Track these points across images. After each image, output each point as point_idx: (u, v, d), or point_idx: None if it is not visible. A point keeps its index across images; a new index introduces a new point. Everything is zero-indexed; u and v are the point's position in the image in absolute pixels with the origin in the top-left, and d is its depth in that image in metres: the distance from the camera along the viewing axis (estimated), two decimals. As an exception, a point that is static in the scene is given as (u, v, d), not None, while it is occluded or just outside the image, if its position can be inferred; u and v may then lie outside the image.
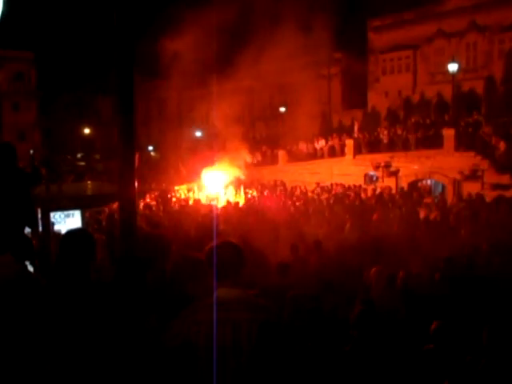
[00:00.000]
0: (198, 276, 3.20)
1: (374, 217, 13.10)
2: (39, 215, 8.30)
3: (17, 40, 41.95)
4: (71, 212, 9.34)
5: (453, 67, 22.81)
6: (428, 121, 23.52)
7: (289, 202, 16.97)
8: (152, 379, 2.85)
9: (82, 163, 45.45)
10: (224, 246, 2.87)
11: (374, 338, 4.91)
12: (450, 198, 18.55)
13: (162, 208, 16.64)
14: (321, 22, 26.55)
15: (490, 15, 26.18)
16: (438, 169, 20.90)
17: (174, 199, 19.58)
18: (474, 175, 18.91)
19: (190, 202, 18.02)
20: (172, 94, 51.05)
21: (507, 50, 25.95)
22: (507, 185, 17.51)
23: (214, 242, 2.86)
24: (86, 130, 53.33)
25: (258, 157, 29.02)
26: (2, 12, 7.78)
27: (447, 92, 25.19)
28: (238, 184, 22.09)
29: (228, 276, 2.76)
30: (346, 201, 16.35)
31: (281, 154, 28.57)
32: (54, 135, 49.76)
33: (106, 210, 14.55)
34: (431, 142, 21.86)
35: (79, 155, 51.31)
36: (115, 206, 14.83)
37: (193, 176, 24.21)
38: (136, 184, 2.99)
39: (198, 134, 44.37)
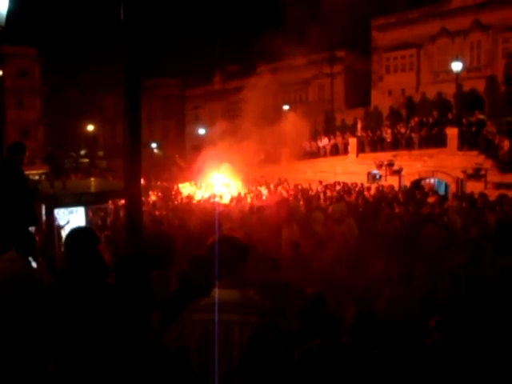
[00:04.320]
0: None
1: (379, 215, 13.10)
2: (43, 212, 8.35)
3: (21, 36, 41.98)
4: (75, 209, 9.35)
5: (456, 66, 22.76)
6: (431, 119, 23.48)
7: (292, 199, 16.97)
8: (150, 379, 2.87)
9: (86, 160, 45.56)
10: (221, 241, 2.76)
11: (370, 339, 4.93)
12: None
13: (165, 205, 16.68)
14: (324, 20, 26.53)
15: (493, 14, 26.11)
16: (442, 168, 20.88)
17: (179, 197, 19.64)
18: (477, 174, 18.88)
19: (194, 200, 18.05)
20: (176, 91, 51.12)
21: (511, 49, 25.89)
22: (511, 184, 17.47)
23: (214, 238, 2.77)
24: (90, 127, 53.35)
25: (261, 155, 28.97)
26: (9, 9, 7.82)
27: (451, 91, 25.16)
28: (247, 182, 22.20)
29: (225, 274, 2.68)
30: (349, 199, 16.33)
31: (284, 152, 28.55)
32: (57, 132, 49.81)
33: (110, 206, 14.62)
34: (434, 140, 21.81)
35: (83, 152, 51.39)
36: (120, 202, 14.90)
37: (196, 174, 24.25)
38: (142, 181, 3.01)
39: (202, 131, 44.39)
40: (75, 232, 3.27)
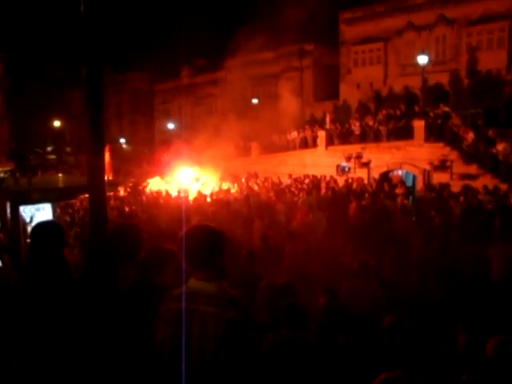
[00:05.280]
0: (170, 267, 3.21)
1: (351, 206, 13.27)
2: (8, 209, 8.20)
3: (-17, 30, 40.90)
4: (41, 206, 9.22)
5: (422, 60, 23.11)
6: (399, 112, 23.81)
7: (262, 192, 17.05)
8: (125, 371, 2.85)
9: (53, 156, 44.75)
10: (195, 231, 2.68)
11: (340, 328, 5.01)
12: (420, 188, 18.98)
13: (134, 200, 16.56)
14: (293, 14, 26.59)
15: (457, 9, 26.61)
16: (409, 159, 21.22)
17: (147, 191, 19.50)
18: (443, 165, 19.27)
19: (163, 195, 17.95)
20: (144, 85, 50.61)
21: (474, 43, 26.43)
22: (475, 175, 17.91)
23: (189, 228, 2.70)
24: (57, 123, 52.37)
25: (231, 149, 28.98)
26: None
27: (417, 84, 25.56)
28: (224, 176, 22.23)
29: (200, 266, 2.61)
30: (318, 191, 16.49)
31: (254, 145, 28.61)
32: (23, 128, 48.76)
33: (78, 203, 14.44)
34: (402, 133, 22.11)
35: (49, 148, 50.45)
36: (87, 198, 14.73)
37: (166, 168, 24.11)
38: (106, 176, 3.00)
39: (171, 126, 44.06)
40: (40, 225, 3.26)
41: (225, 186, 20.33)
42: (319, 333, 4.97)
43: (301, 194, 16.03)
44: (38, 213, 9.12)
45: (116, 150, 40.66)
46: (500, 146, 17.54)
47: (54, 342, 2.75)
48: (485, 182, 16.33)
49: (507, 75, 25.10)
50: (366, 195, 14.91)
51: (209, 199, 15.85)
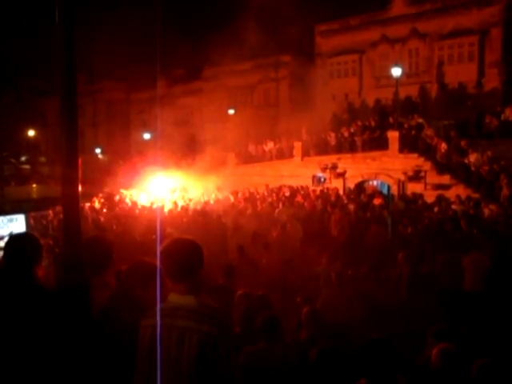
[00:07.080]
0: (151, 282, 3.15)
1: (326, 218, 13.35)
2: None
3: (-46, 38, 40.17)
4: (14, 216, 9.06)
5: (396, 72, 23.47)
6: (373, 123, 24.11)
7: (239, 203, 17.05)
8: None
9: (27, 166, 44.02)
10: (175, 245, 2.69)
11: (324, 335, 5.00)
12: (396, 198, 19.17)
13: (108, 212, 16.38)
14: (269, 25, 26.82)
15: (429, 23, 27.22)
16: (384, 170, 21.45)
17: (124, 204, 19.29)
18: (417, 176, 19.51)
19: (138, 206, 17.79)
20: (121, 95, 50.31)
21: (445, 56, 27.04)
22: (448, 185, 18.20)
23: (168, 241, 2.71)
24: (31, 132, 51.60)
25: (208, 159, 28.93)
26: None
27: (391, 95, 25.96)
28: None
29: (180, 279, 2.61)
30: (295, 202, 16.54)
31: (230, 156, 28.63)
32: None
33: (51, 213, 14.22)
34: (377, 143, 22.39)
35: (23, 158, 49.65)
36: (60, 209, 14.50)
37: (140, 180, 23.90)
38: (80, 187, 2.95)
39: (147, 136, 43.76)
40: (16, 237, 3.23)
41: (201, 197, 20.27)
42: (306, 341, 4.96)
43: (278, 205, 16.05)
44: (12, 224, 8.96)
45: (91, 161, 40.23)
46: (472, 157, 17.89)
47: (22, 355, 2.70)
48: (458, 191, 16.59)
49: (477, 88, 25.69)
50: (345, 205, 15.03)
51: (182, 209, 15.76)
